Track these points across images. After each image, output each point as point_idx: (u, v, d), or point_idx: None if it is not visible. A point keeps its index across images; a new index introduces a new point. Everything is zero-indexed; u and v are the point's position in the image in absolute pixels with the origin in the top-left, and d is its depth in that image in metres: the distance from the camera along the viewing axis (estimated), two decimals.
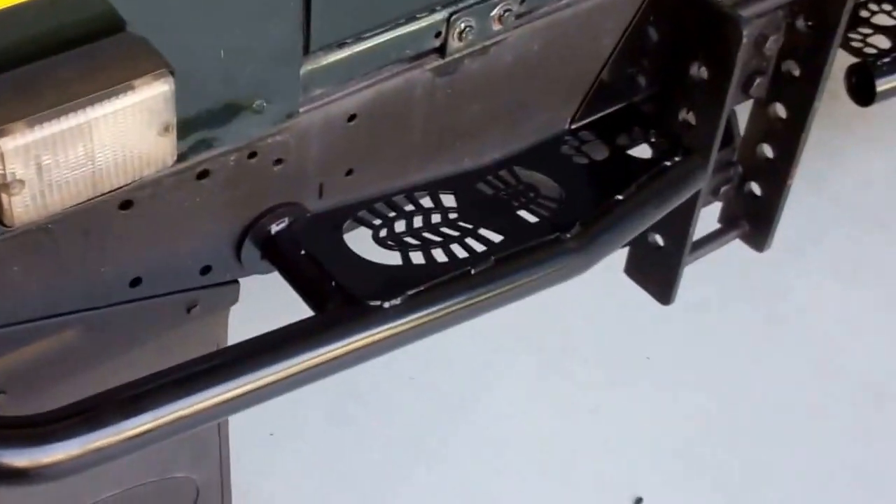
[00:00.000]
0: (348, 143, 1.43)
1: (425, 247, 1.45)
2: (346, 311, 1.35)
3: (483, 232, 1.49)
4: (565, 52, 1.57)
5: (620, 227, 1.56)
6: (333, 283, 1.37)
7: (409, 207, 1.51)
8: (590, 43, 1.59)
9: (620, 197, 1.58)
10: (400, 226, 1.48)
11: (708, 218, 1.94)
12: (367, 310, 1.35)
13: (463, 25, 1.40)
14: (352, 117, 1.40)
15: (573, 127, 1.67)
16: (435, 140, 1.52)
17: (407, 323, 1.36)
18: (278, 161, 1.37)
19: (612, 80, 1.66)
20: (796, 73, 1.79)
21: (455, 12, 1.39)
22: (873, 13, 2.02)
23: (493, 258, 1.44)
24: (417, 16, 1.38)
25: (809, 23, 1.73)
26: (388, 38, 1.36)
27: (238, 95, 1.26)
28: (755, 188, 1.95)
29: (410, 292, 1.37)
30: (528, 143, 1.64)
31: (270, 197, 1.40)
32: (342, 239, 1.43)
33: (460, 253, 1.45)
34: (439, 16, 1.39)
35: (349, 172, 1.46)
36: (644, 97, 1.70)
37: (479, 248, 1.46)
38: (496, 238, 1.49)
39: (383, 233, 1.46)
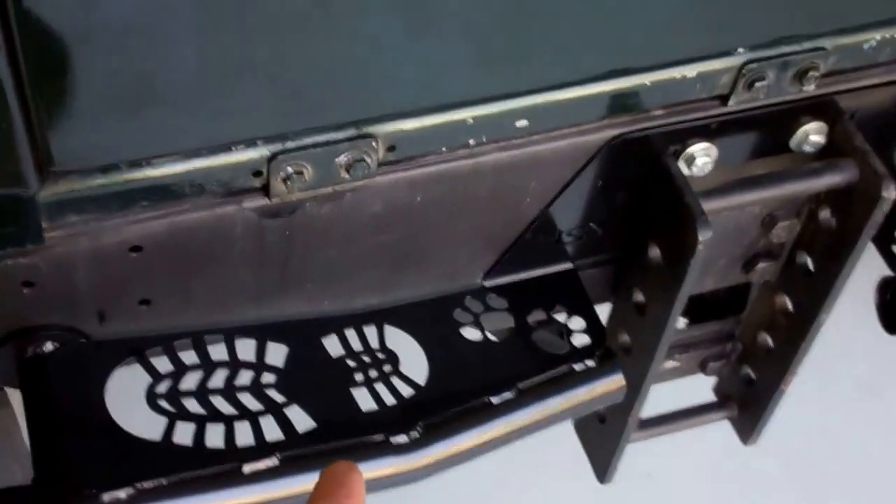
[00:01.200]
0: (136, 273, 1.14)
1: (203, 421, 1.16)
2: (53, 491, 1.09)
3: (292, 413, 1.19)
4: (465, 209, 1.23)
5: (473, 437, 1.23)
6: (54, 448, 1.10)
7: (218, 357, 1.21)
8: (504, 200, 1.24)
9: (494, 400, 1.25)
10: (191, 380, 1.19)
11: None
12: (79, 497, 1.08)
13: (290, 169, 1.08)
14: (135, 248, 1.11)
15: (486, 285, 1.33)
16: (274, 281, 1.22)
17: None
18: (27, 283, 1.10)
19: (541, 241, 1.31)
20: (811, 268, 1.41)
21: (280, 153, 1.07)
22: None
23: (277, 457, 1.15)
24: (230, 147, 1.06)
25: (834, 217, 1.34)
26: (175, 170, 1.06)
27: None
28: (751, 373, 1.58)
29: (137, 487, 1.09)
30: (420, 295, 1.31)
31: (28, 316, 1.14)
32: (104, 383, 1.16)
33: (244, 439, 1.16)
34: (256, 153, 1.07)
35: (145, 302, 1.18)
36: (585, 265, 1.36)
37: (276, 437, 1.17)
38: (307, 424, 1.19)
39: (163, 386, 1.18)
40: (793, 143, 1.32)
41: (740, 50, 1.20)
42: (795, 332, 1.47)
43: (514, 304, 1.32)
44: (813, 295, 1.41)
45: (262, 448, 1.15)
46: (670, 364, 1.59)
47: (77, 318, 1.16)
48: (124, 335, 1.19)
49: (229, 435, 1.15)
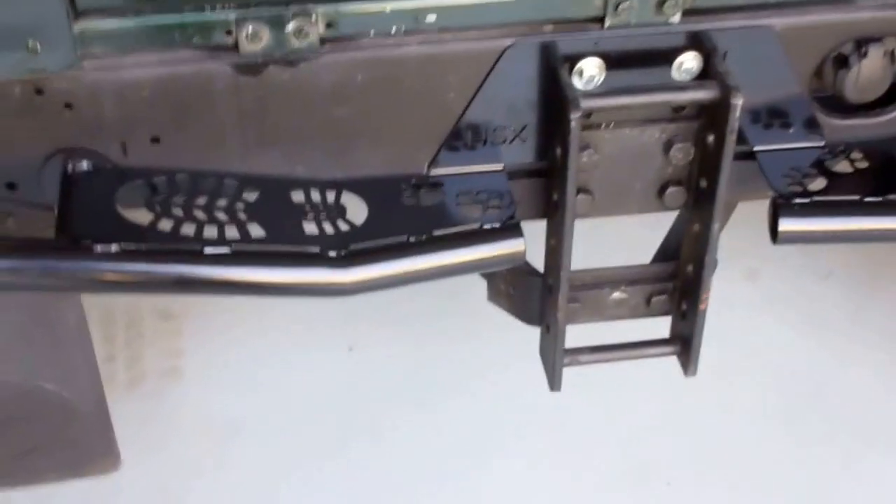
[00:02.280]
0: (148, 112, 1.59)
1: (182, 219, 1.58)
2: (62, 243, 1.53)
3: (250, 226, 1.60)
4: (402, 95, 1.63)
5: (391, 266, 1.60)
6: (72, 220, 1.55)
7: (206, 187, 1.64)
8: (432, 92, 1.64)
9: (411, 240, 1.61)
10: (179, 198, 1.62)
11: None
12: (77, 246, 1.52)
13: (252, 29, 1.53)
14: (147, 89, 1.57)
15: (430, 172, 1.72)
16: (253, 137, 1.65)
17: (106, 269, 1.51)
18: (68, 105, 1.57)
19: (472, 139, 1.69)
20: (703, 185, 1.72)
21: (243, 14, 1.52)
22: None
23: (230, 248, 1.55)
24: (204, 8, 1.52)
25: (711, 133, 1.66)
26: (168, 20, 1.52)
27: (10, 29, 1.48)
28: (684, 305, 1.87)
29: (122, 246, 1.51)
30: (373, 173, 1.71)
31: (67, 138, 1.60)
32: (116, 190, 1.60)
33: (209, 233, 1.57)
34: (228, 15, 1.52)
35: (155, 140, 1.63)
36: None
37: (233, 235, 1.57)
38: (259, 233, 1.59)
39: (158, 197, 1.61)
40: (673, 72, 1.66)
41: None
42: (700, 249, 1.76)
43: (447, 185, 1.69)
44: (706, 212, 1.71)
45: (221, 241, 1.56)
46: (618, 295, 1.89)
47: (106, 146, 1.61)
48: (141, 166, 1.64)
49: (198, 231, 1.57)
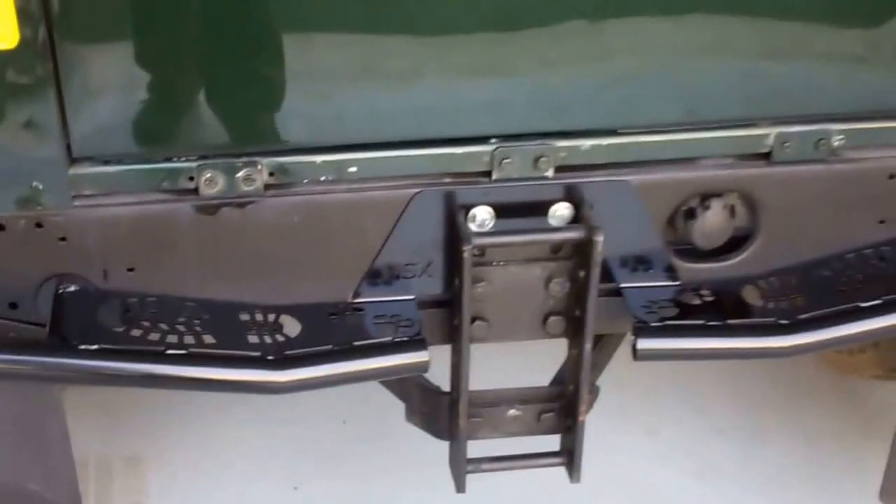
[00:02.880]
0: (125, 245, 1.98)
1: (149, 329, 1.95)
2: (53, 341, 1.89)
3: (204, 335, 1.97)
4: (330, 234, 2.02)
5: (318, 369, 1.95)
6: (61, 327, 1.92)
7: (171, 306, 2.02)
8: (354, 232, 2.03)
9: (335, 348, 1.98)
10: (148, 315, 1.99)
11: None
12: (64, 345, 1.88)
13: (209, 175, 1.93)
14: (124, 225, 1.97)
15: (353, 301, 2.09)
16: (210, 268, 2.03)
17: (90, 365, 1.87)
18: (62, 238, 1.96)
19: (385, 270, 2.08)
20: (577, 314, 2.10)
21: (203, 164, 1.93)
22: None
23: (188, 351, 1.91)
24: (172, 159, 1.93)
25: (581, 272, 2.05)
26: (144, 169, 1.93)
27: (18, 173, 1.88)
28: (568, 422, 2.22)
29: (100, 346, 1.88)
30: (308, 300, 2.08)
31: (59, 265, 1.99)
32: (98, 307, 1.97)
33: (171, 340, 1.94)
34: (191, 164, 1.93)
35: (130, 269, 2.01)
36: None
37: (189, 342, 1.94)
38: (210, 341, 1.96)
39: (132, 314, 1.99)
40: (550, 218, 2.06)
41: (492, 141, 2.00)
42: (578, 369, 2.12)
43: (367, 310, 2.07)
44: (581, 334, 2.08)
45: (180, 346, 1.92)
46: (513, 412, 2.24)
47: (90, 272, 2.00)
48: (118, 290, 2.02)
49: (162, 338, 1.94)
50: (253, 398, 2.97)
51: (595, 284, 2.01)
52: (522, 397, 2.22)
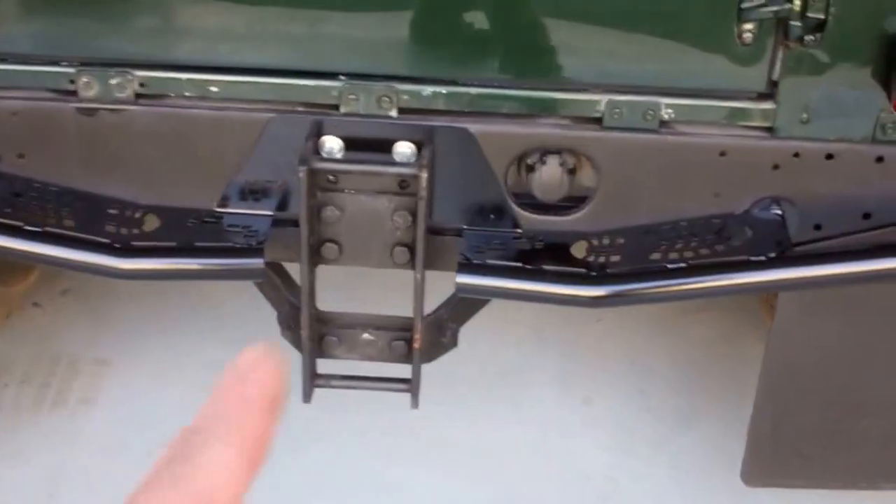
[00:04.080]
0: (16, 134, 2.28)
1: (23, 210, 2.25)
2: None
3: (67, 220, 2.25)
4: (196, 147, 2.28)
5: (157, 262, 2.22)
6: None
7: (52, 193, 2.31)
8: (218, 148, 2.28)
9: (177, 244, 2.24)
10: (29, 194, 2.29)
11: None
12: None
13: (86, 79, 2.21)
14: (16, 116, 2.26)
15: (216, 210, 2.35)
16: (91, 164, 2.32)
17: None
18: None
19: (246, 186, 2.33)
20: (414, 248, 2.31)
21: (81, 70, 2.21)
22: None
23: (44, 229, 2.20)
24: (57, 63, 2.22)
25: (418, 206, 2.26)
26: (32, 70, 2.22)
27: None
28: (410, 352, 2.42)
29: None
30: (174, 204, 2.35)
31: None
32: None
33: (37, 220, 2.23)
34: (71, 70, 2.22)
35: (21, 156, 2.31)
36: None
37: (51, 223, 2.23)
38: (70, 224, 2.24)
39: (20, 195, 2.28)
40: (394, 155, 2.28)
41: (341, 77, 2.23)
42: (417, 299, 2.33)
43: (225, 219, 2.32)
44: (419, 266, 2.29)
45: (41, 225, 2.21)
46: (367, 336, 2.46)
47: None
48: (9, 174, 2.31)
49: (30, 215, 2.23)
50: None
51: (423, 218, 2.22)
52: (377, 323, 2.43)
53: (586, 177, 2.32)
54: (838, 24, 2.16)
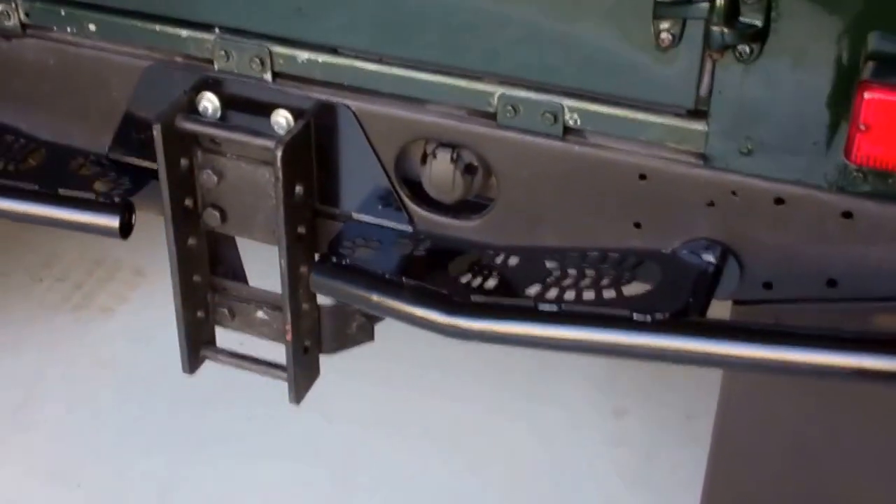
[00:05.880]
0: None
1: None
2: None
3: None
4: (83, 85, 2.11)
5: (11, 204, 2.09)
6: None
7: None
8: (103, 90, 2.10)
9: (41, 189, 2.10)
10: None
11: None
12: None
13: None
14: None
15: (106, 154, 2.18)
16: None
17: None
18: None
19: (131, 132, 2.13)
20: None
21: None
22: None
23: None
24: None
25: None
26: None
27: None
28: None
29: None
30: (69, 143, 2.20)
31: None
32: None
33: None
34: None
35: None
36: None
37: None
38: None
39: None
40: (271, 124, 2.00)
41: (216, 30, 1.97)
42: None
43: (104, 168, 2.14)
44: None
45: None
46: (261, 315, 2.22)
47: None
48: None
49: None
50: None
51: (280, 199, 1.95)
52: (273, 302, 2.19)
53: (481, 179, 1.96)
54: (783, 33, 1.66)
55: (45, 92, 2.15)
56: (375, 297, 1.92)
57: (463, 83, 1.87)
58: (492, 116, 1.87)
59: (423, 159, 1.97)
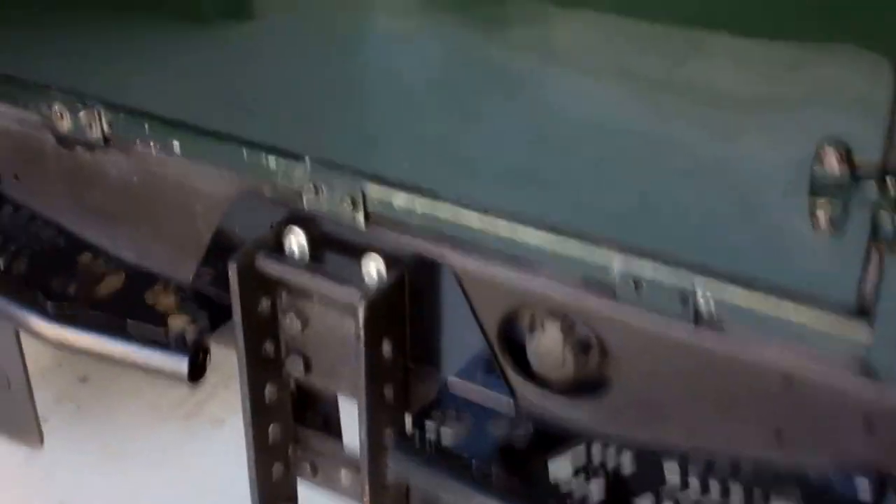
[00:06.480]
0: (13, 154, 2.05)
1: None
2: None
3: (20, 260, 1.98)
4: (167, 207, 1.91)
5: (79, 336, 1.89)
6: None
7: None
8: (186, 214, 1.89)
9: (107, 320, 1.89)
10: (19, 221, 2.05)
11: None
12: None
13: (59, 112, 1.92)
14: (9, 139, 2.02)
15: (192, 284, 1.96)
16: (72, 196, 2.02)
17: None
18: None
19: (217, 262, 1.91)
20: None
21: (63, 102, 1.91)
22: None
23: None
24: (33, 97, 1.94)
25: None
26: (14, 92, 1.96)
27: None
28: None
29: None
30: (157, 269, 2.00)
31: None
32: None
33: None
34: (52, 102, 1.92)
35: (16, 177, 2.07)
36: None
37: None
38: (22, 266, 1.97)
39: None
40: (361, 271, 1.75)
41: (307, 160, 1.74)
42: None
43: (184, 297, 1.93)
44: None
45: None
46: (345, 472, 1.95)
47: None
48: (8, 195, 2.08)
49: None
50: None
51: (361, 355, 1.70)
52: (356, 464, 1.93)
53: (596, 358, 1.66)
54: None
55: (127, 210, 1.96)
56: (458, 490, 1.63)
57: (577, 247, 1.58)
58: (610, 290, 1.57)
59: (531, 326, 1.68)
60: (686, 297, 1.51)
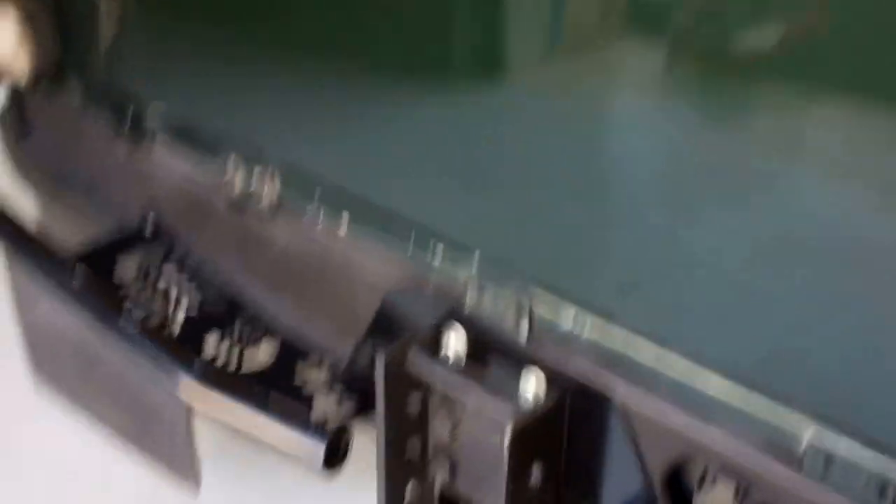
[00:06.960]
0: (184, 213, 1.98)
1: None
2: None
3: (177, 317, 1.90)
4: (330, 285, 1.79)
5: (220, 401, 1.78)
6: None
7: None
8: (348, 295, 1.76)
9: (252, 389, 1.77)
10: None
11: None
12: None
13: (235, 170, 1.82)
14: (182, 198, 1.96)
15: (347, 366, 1.82)
16: (238, 260, 1.93)
17: None
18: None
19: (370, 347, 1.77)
20: None
21: (246, 164, 1.81)
22: None
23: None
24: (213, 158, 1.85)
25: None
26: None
27: None
28: None
29: None
30: (314, 342, 1.87)
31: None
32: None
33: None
34: (229, 165, 1.83)
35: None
36: None
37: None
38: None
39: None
40: (521, 380, 1.57)
41: (475, 256, 1.58)
42: None
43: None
44: None
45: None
46: None
47: None
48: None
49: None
50: None
51: (503, 477, 1.53)
52: None
53: None
54: None
55: (291, 281, 1.84)
56: None
57: (765, 407, 1.35)
58: (797, 460, 1.34)
59: (702, 479, 1.46)
60: (885, 488, 1.27)
